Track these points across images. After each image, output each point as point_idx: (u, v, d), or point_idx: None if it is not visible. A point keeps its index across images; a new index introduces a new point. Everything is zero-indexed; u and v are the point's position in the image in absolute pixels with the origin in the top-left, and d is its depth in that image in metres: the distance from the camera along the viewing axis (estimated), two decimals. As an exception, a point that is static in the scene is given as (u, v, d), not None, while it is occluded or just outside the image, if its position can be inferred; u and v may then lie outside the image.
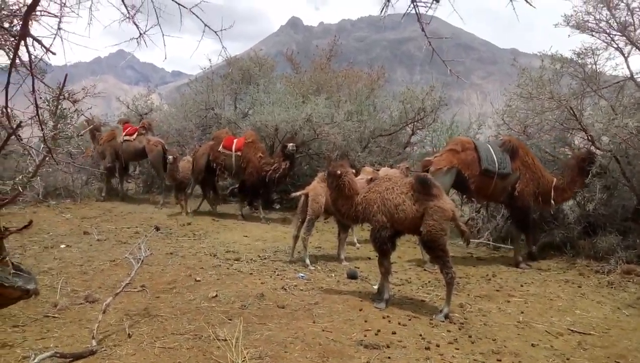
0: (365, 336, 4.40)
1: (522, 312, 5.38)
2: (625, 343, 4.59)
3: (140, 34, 2.24)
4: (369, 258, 7.54)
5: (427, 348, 4.23)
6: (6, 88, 1.62)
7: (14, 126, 1.65)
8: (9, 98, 1.61)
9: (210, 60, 14.43)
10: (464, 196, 8.26)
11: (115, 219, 9.52)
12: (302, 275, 6.33)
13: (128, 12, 2.17)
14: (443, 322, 4.93)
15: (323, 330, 4.49)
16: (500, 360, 4.10)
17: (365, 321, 4.80)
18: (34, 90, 1.63)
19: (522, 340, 4.60)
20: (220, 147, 10.48)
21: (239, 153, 10.32)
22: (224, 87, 14.39)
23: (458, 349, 4.29)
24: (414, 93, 11.53)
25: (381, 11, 2.17)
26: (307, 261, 6.86)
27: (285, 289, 5.68)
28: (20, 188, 1.82)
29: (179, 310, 4.79)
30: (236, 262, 6.79)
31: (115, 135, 11.70)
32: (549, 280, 6.79)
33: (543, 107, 8.19)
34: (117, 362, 3.65)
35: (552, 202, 7.58)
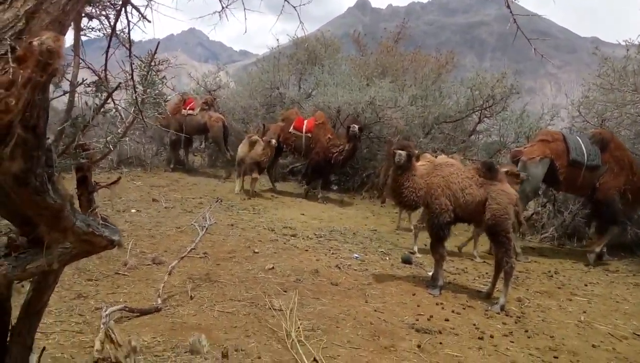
0: (417, 320, 4.41)
1: (584, 312, 5.15)
2: (698, 355, 4.29)
3: (223, 7, 2.34)
4: (425, 245, 7.44)
5: (481, 338, 4.17)
6: (106, 52, 1.76)
7: (112, 87, 1.80)
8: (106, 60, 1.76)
9: (277, 40, 14.64)
10: (553, 188, 8.03)
11: (182, 189, 9.98)
12: (356, 255, 6.38)
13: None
14: (499, 313, 4.83)
15: (375, 310, 4.54)
16: (557, 358, 3.98)
17: (418, 306, 4.80)
18: (130, 55, 1.76)
19: (582, 339, 4.43)
20: (291, 128, 10.65)
21: (309, 134, 10.46)
22: (290, 67, 14.54)
23: (513, 342, 4.20)
24: (483, 79, 11.09)
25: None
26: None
27: (340, 267, 5.76)
28: (111, 146, 1.98)
29: (238, 278, 5.00)
30: (293, 237, 6.95)
31: (180, 109, 12.10)
32: (617, 282, 6.44)
33: (625, 99, 7.64)
34: (179, 320, 3.89)
35: None
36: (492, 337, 4.25)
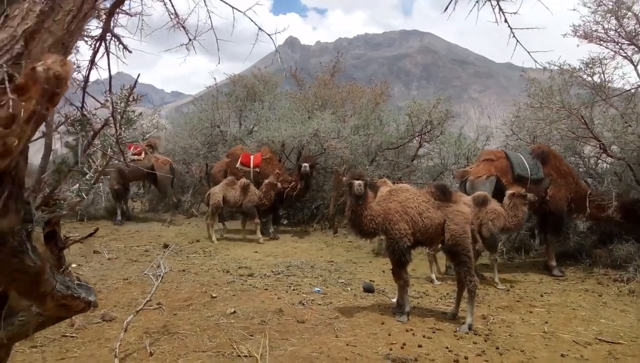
0: (391, 350, 4.30)
1: (546, 322, 5.27)
2: (657, 352, 4.49)
3: (190, 39, 2.21)
4: (383, 272, 7.44)
5: (456, 361, 4.13)
6: (84, 86, 1.58)
7: (96, 126, 1.60)
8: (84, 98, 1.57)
9: (215, 78, 14.52)
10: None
11: (124, 238, 9.42)
12: (318, 289, 6.22)
13: (177, 18, 2.13)
14: (467, 333, 4.83)
15: (347, 345, 4.39)
16: (532, 372, 3.99)
17: (389, 334, 4.70)
18: (110, 89, 1.59)
19: (550, 350, 4.49)
20: (238, 163, 10.53)
21: (257, 169, 10.34)
22: (229, 105, 14.44)
23: (487, 361, 4.18)
24: (420, 106, 11.54)
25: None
26: (433, 276, 7.06)
27: (303, 304, 5.57)
28: (84, 194, 1.76)
29: (199, 327, 4.68)
30: (250, 277, 6.69)
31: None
32: (569, 289, 6.69)
33: (553, 116, 8.18)
34: (141, 380, 3.54)
35: (588, 210, 7.57)
36: (466, 358, 4.21)
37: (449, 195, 5.31)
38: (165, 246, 8.35)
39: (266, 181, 9.78)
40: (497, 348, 4.47)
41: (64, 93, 0.96)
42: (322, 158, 11.67)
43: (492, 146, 10.65)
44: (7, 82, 0.94)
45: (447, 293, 6.32)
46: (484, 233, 6.79)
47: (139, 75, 1.79)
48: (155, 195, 13.44)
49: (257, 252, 8.60)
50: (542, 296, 6.31)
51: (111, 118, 1.63)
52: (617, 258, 7.37)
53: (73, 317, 4.65)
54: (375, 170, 11.20)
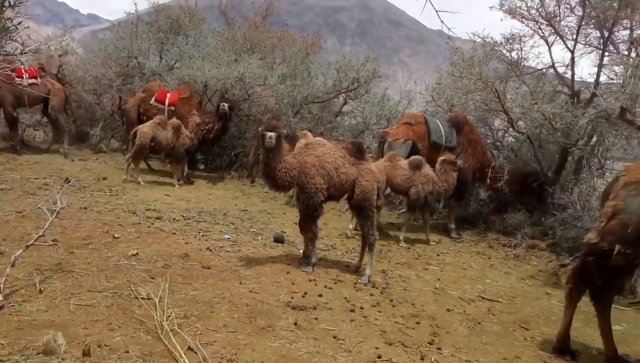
0: (292, 298, 4.43)
1: (438, 279, 5.70)
2: (529, 311, 5.05)
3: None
4: (295, 223, 7.52)
5: (352, 311, 4.36)
6: None
7: None
8: None
9: (136, 4, 13.40)
10: None
11: (21, 169, 8.68)
12: (227, 236, 6.20)
13: None
14: (366, 285, 5.10)
15: (250, 292, 4.46)
16: (419, 323, 4.33)
17: (293, 283, 4.83)
18: None
19: (438, 305, 4.89)
20: (152, 100, 9.93)
21: (172, 108, 9.81)
22: (150, 35, 13.43)
23: (380, 312, 4.46)
24: (349, 62, 11.50)
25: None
26: (401, 237, 7.22)
27: (211, 250, 5.54)
28: None
29: (96, 267, 4.50)
30: (157, 220, 6.48)
31: (11, 77, 10.24)
32: (463, 251, 7.25)
33: (470, 87, 8.55)
34: (26, 317, 3.36)
35: (488, 181, 8.11)
36: (362, 308, 4.46)
37: (363, 153, 5.49)
38: (66, 180, 7.81)
39: (195, 121, 9.39)
40: (391, 300, 4.78)
41: None
42: (246, 105, 11.36)
43: (413, 110, 10.98)
44: None
45: (354, 248, 6.59)
46: (412, 194, 7.22)
47: None
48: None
49: (168, 195, 8.34)
50: (438, 255, 6.79)
51: None
52: (509, 225, 8.07)
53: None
54: (298, 123, 11.13)
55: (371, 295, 4.89)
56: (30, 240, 4.24)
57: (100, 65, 12.74)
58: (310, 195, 5.20)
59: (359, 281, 5.18)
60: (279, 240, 6.41)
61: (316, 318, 4.06)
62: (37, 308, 3.52)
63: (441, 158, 7.41)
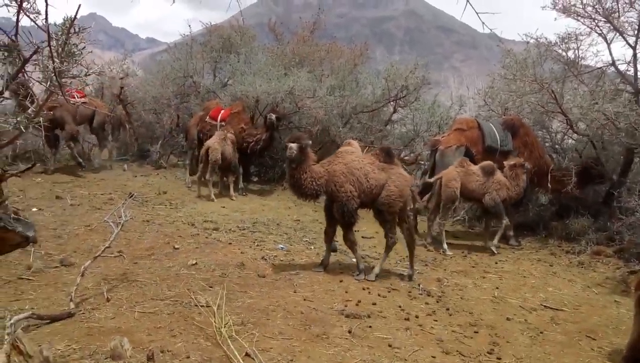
0: (346, 306, 4.44)
1: (497, 288, 5.52)
2: (595, 320, 4.78)
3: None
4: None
5: (407, 319, 4.30)
6: (18, 10, 1.49)
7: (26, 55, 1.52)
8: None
9: (190, 26, 14.03)
10: None
11: (88, 185, 9.25)
12: (281, 246, 6.31)
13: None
14: (373, 280, 5.23)
15: (304, 300, 4.51)
16: (477, 332, 4.21)
17: (346, 292, 4.84)
18: (47, 17, 1.51)
19: (497, 314, 4.73)
20: (207, 117, 10.34)
21: (223, 123, 10.16)
22: (204, 55, 14.01)
23: (436, 320, 4.38)
24: (397, 70, 11.46)
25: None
26: (445, 246, 6.92)
27: (265, 259, 5.66)
28: (22, 128, 1.70)
29: (158, 277, 4.72)
30: (215, 231, 6.71)
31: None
32: (523, 258, 6.98)
33: (525, 89, 8.27)
34: (95, 324, 3.58)
35: (549, 185, 7.81)
36: (417, 317, 4.40)
37: (392, 158, 5.53)
38: (130, 195, 8.24)
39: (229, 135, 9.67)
40: (448, 309, 4.68)
41: None
42: (296, 117, 11.55)
43: (465, 115, 10.74)
44: None
45: (407, 256, 6.49)
46: (488, 203, 7.04)
47: (79, 6, 1.71)
48: (123, 142, 13.15)
49: (224, 207, 8.60)
50: (496, 263, 6.58)
51: (47, 48, 1.56)
52: (571, 231, 7.67)
53: (30, 261, 4.63)
54: (348, 133, 11.18)
55: (426, 303, 4.81)
56: (98, 251, 4.53)
57: (159, 86, 13.41)
58: (344, 203, 5.22)
59: (367, 277, 5.31)
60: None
61: (370, 327, 4.04)
62: (104, 316, 3.74)
63: (511, 162, 7.21)
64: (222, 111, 10.34)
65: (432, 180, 7.49)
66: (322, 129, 11.55)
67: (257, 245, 6.23)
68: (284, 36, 16.42)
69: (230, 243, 6.18)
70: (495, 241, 7.13)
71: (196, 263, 5.21)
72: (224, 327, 3.62)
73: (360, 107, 11.84)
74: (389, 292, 4.99)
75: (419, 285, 5.28)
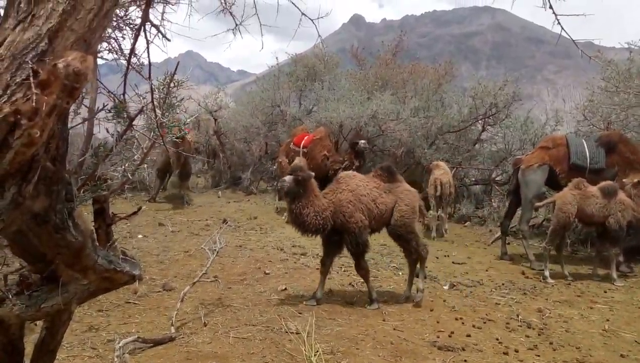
0: (438, 337, 4.27)
1: (607, 320, 5.00)
2: None
3: (237, 24, 2.28)
4: (437, 258, 7.34)
5: (505, 353, 4.04)
6: (125, 74, 1.69)
7: (133, 112, 1.72)
8: (120, 86, 1.68)
9: (277, 58, 14.69)
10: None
11: (187, 212, 9.90)
12: (369, 272, 6.25)
13: (225, 3, 2.20)
14: (420, 300, 5.00)
15: (394, 329, 4.41)
16: (586, 371, 3.84)
17: (437, 322, 4.66)
18: (150, 76, 1.69)
19: (609, 350, 4.28)
20: (292, 143, 10.63)
21: (305, 150, 10.38)
22: (290, 85, 14.57)
23: (539, 356, 4.06)
24: (485, 88, 11.07)
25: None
26: (546, 273, 6.37)
27: (353, 286, 5.64)
28: (129, 175, 1.90)
29: (251, 302, 4.88)
30: (302, 256, 6.84)
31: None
32: (636, 287, 6.28)
33: (630, 102, 7.59)
34: (194, 349, 3.77)
35: None
36: (516, 351, 4.11)
37: (395, 175, 5.23)
38: (224, 221, 8.69)
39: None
40: (551, 343, 4.32)
41: (83, 87, 1.05)
42: (380, 140, 11.57)
43: (563, 131, 10.06)
44: (31, 78, 1.02)
45: (503, 283, 6.15)
46: (612, 225, 6.39)
47: (178, 63, 1.87)
48: (217, 171, 13.94)
49: (311, 231, 8.72)
50: (605, 292, 5.98)
51: (150, 105, 1.73)
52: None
53: (136, 286, 5.01)
54: (434, 154, 10.96)
55: (527, 336, 4.48)
56: (196, 277, 4.81)
57: (249, 116, 14.16)
58: (356, 234, 4.84)
59: (415, 299, 5.03)
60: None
61: (465, 361, 3.84)
62: (202, 340, 3.93)
63: (635, 180, 6.57)
64: (306, 137, 10.58)
65: (541, 204, 7.04)
66: (407, 151, 11.43)
67: (344, 271, 6.23)
68: (367, 60, 16.65)
69: (317, 269, 6.22)
70: (614, 273, 6.44)
71: (286, 288, 5.32)
72: (314, 355, 3.64)
73: (447, 127, 11.57)
74: (485, 323, 4.72)
75: (517, 316, 4.94)
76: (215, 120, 13.71)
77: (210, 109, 14.10)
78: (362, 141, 9.76)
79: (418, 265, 5.24)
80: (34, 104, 1.01)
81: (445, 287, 5.83)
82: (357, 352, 3.86)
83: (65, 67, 1.01)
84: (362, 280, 5.78)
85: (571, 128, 10.46)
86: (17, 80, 1.03)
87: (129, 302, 4.66)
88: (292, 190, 4.65)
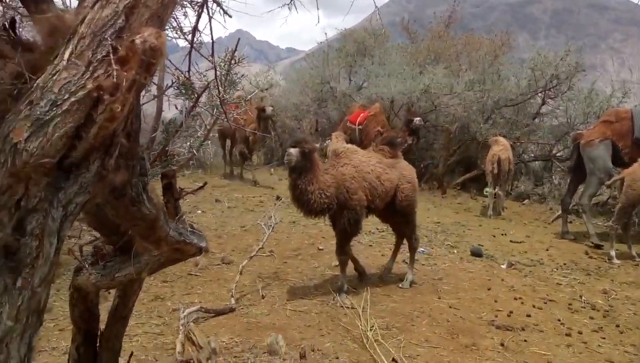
0: (496, 316, 4.19)
1: (681, 303, 4.73)
2: None
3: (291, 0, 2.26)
4: (494, 236, 7.16)
5: (568, 335, 3.91)
6: (189, 52, 1.72)
7: (199, 88, 1.77)
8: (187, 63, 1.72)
9: (326, 33, 14.53)
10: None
11: (242, 189, 10.11)
12: (422, 249, 6.17)
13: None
14: (408, 288, 4.73)
15: (450, 307, 4.36)
16: (657, 355, 3.65)
17: (495, 301, 4.56)
18: (213, 53, 1.72)
19: (683, 334, 4.05)
20: (348, 121, 10.57)
21: (360, 127, 10.28)
22: (339, 60, 14.39)
23: (604, 338, 3.91)
24: (545, 58, 10.48)
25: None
26: (612, 253, 6.11)
27: (407, 262, 5.59)
28: (194, 151, 1.96)
29: (306, 276, 4.97)
30: (355, 233, 6.83)
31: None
32: None
33: None
34: (253, 320, 3.89)
35: None
36: (580, 333, 3.97)
37: (397, 150, 4.93)
38: (278, 198, 8.82)
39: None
40: (617, 325, 4.16)
41: (159, 63, 1.09)
42: (433, 115, 11.26)
43: (631, 104, 9.40)
44: (111, 54, 1.05)
45: (564, 264, 5.92)
46: None
47: (238, 40, 1.88)
48: (269, 148, 14.11)
49: (363, 208, 8.70)
50: (678, 274, 5.64)
51: (214, 81, 1.76)
52: None
53: (197, 258, 5.20)
54: (490, 129, 10.56)
55: (591, 318, 4.32)
56: (253, 251, 4.93)
57: (299, 93, 14.16)
58: (356, 212, 4.39)
59: (400, 285, 4.75)
60: (476, 253, 6.13)
61: (525, 341, 3.76)
62: (260, 312, 4.04)
63: None
64: (362, 114, 10.46)
65: (610, 182, 6.70)
66: (461, 127, 11.09)
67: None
68: (418, 33, 16.15)
69: (370, 246, 6.26)
70: None
71: (338, 265, 5.36)
72: (370, 330, 3.67)
73: (504, 100, 11.10)
74: (545, 303, 4.58)
75: (580, 297, 4.76)
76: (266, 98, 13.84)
77: (261, 87, 14.22)
78: (418, 118, 9.50)
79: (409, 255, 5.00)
80: (114, 79, 1.04)
81: (503, 266, 5.68)
82: (413, 328, 3.85)
83: (142, 43, 1.05)
84: (416, 258, 5.74)
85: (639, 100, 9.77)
86: (98, 57, 1.07)
87: (191, 274, 4.85)
88: (300, 165, 4.11)
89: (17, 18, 1.29)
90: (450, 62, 13.06)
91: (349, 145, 4.90)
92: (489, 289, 4.85)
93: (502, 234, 7.31)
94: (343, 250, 4.55)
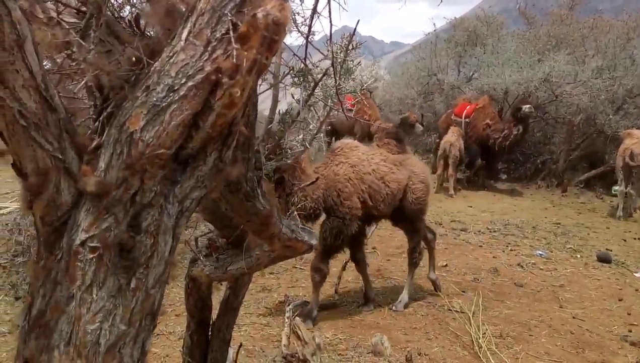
0: (630, 331, 3.73)
1: None
2: None
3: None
4: (624, 240, 6.38)
5: None
6: (307, 36, 1.69)
7: (317, 76, 1.73)
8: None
9: (434, 23, 14.01)
10: None
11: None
12: (540, 252, 5.70)
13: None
14: (402, 310, 3.99)
15: (574, 317, 3.95)
16: None
17: (628, 314, 4.05)
18: (330, 39, 1.67)
19: None
20: (453, 114, 10.15)
21: (467, 120, 9.78)
22: (448, 51, 13.79)
23: None
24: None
25: None
26: None
27: (522, 266, 5.19)
28: (307, 144, 1.93)
29: (410, 276, 4.79)
30: (463, 232, 6.51)
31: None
32: None
33: None
34: (357, 317, 3.86)
35: None
36: None
37: (404, 143, 4.18)
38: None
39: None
40: None
41: (282, 40, 0.94)
42: (553, 106, 10.33)
43: None
44: (231, 31, 0.91)
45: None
46: None
47: (358, 21, 1.79)
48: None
49: (471, 206, 8.27)
50: None
51: (331, 68, 1.67)
52: None
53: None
54: (621, 121, 9.44)
55: None
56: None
57: (403, 87, 13.84)
58: (343, 222, 3.63)
59: (393, 308, 3.96)
60: (604, 259, 5.50)
61: (668, 363, 3.26)
62: (364, 310, 3.98)
63: None
64: (468, 107, 9.95)
65: None
66: (586, 118, 10.04)
67: (511, 250, 5.77)
68: (537, 19, 14.91)
69: (480, 246, 5.90)
70: None
71: (446, 265, 5.12)
72: (482, 337, 3.43)
73: (637, 89, 9.83)
74: (693, 320, 3.95)
75: None
76: (371, 93, 13.72)
77: (365, 81, 14.15)
78: (527, 105, 8.69)
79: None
80: (234, 60, 0.91)
81: (637, 275, 5.04)
82: (531, 339, 3.54)
83: (265, 16, 0.90)
84: (533, 262, 5.32)
85: None
86: (217, 35, 0.94)
87: (296, 267, 4.94)
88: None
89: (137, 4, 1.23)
90: (574, 47, 11.87)
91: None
92: (620, 300, 4.32)
93: (635, 238, 6.50)
94: (316, 268, 3.74)
